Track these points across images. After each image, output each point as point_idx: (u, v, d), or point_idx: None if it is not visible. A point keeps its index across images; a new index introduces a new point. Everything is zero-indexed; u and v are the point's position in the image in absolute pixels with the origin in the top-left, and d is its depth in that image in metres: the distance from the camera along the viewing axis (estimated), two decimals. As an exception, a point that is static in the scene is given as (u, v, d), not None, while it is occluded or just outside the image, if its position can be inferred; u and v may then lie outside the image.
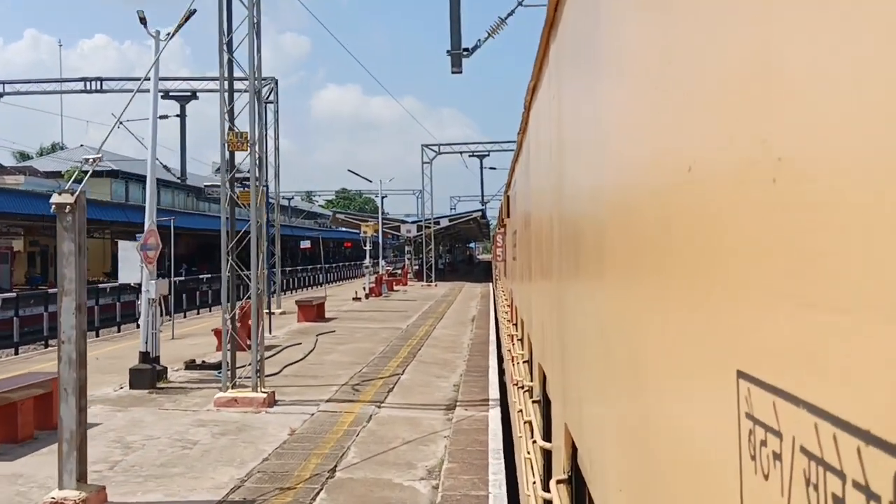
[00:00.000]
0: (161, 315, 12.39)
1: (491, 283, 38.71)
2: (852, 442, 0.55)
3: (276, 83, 26.58)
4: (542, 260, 4.25)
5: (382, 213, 68.71)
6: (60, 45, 70.51)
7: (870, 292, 0.55)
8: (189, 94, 27.92)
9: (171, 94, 27.98)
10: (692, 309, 1.02)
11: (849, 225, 0.58)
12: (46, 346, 20.97)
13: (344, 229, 60.24)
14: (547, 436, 3.93)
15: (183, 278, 39.81)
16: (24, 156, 64.94)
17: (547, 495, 3.17)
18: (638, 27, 1.43)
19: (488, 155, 45.88)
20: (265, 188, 22.62)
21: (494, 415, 10.29)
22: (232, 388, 10.67)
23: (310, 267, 51.01)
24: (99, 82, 27.43)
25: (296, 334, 19.49)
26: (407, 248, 51.49)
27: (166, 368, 12.48)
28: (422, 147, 44.58)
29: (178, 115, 29.23)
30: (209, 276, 42.07)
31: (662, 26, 1.21)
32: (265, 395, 10.46)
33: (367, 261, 33.91)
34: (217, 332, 15.96)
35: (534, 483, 4.09)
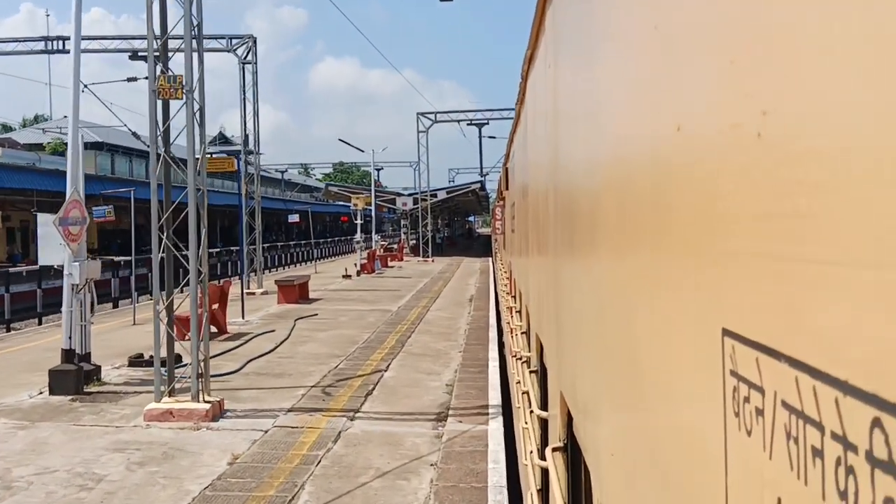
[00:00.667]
0: (93, 304, 10.17)
1: (490, 258, 36.63)
2: (831, 393, 0.56)
3: (255, 42, 24.17)
4: (539, 230, 4.25)
5: (378, 185, 66.24)
6: (48, 16, 67.27)
7: (845, 242, 0.55)
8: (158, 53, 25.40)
9: (140, 54, 25.49)
10: (681, 269, 1.02)
11: (827, 179, 0.58)
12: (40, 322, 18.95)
13: (341, 203, 57.92)
14: (544, 405, 3.92)
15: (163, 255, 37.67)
16: (6, 128, 62.44)
17: (543, 463, 3.13)
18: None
19: (487, 123, 43.34)
20: (236, 156, 20.32)
21: (496, 429, 8.15)
22: (169, 395, 8.49)
23: (303, 242, 48.79)
24: (61, 42, 25.00)
25: (272, 319, 17.33)
26: (403, 223, 49.14)
27: (99, 368, 10.31)
28: (417, 115, 42.03)
29: (146, 78, 26.75)
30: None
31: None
32: (209, 406, 8.30)
33: (358, 235, 31.61)
34: (179, 319, 13.80)
35: (531, 452, 4.06)
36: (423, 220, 42.90)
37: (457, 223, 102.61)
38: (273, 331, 15.21)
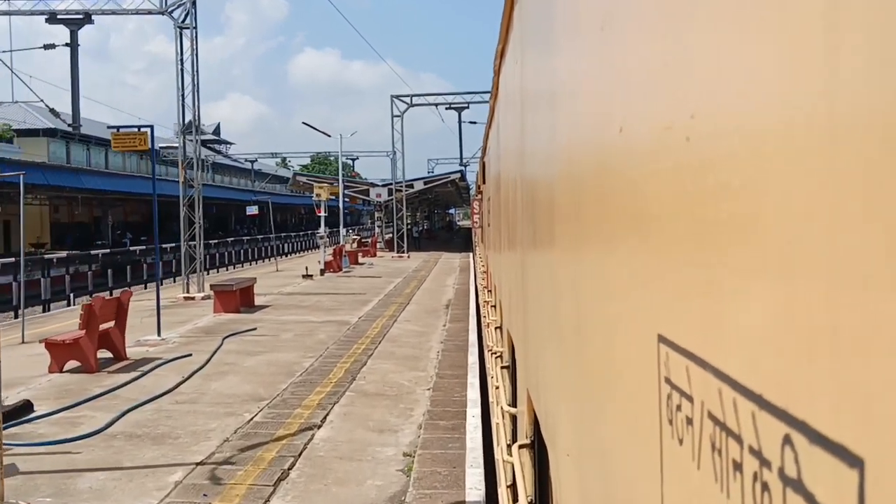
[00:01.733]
0: None
1: (471, 254, 33.32)
2: (748, 406, 0.56)
3: (194, 3, 20.45)
4: (508, 225, 4.33)
5: (355, 175, 62.29)
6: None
7: (761, 252, 0.55)
8: (81, 16, 21.65)
9: (58, 17, 21.70)
10: (623, 271, 1.01)
11: (747, 186, 0.58)
12: None
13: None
14: (515, 401, 3.97)
15: (108, 251, 34.28)
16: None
17: (512, 459, 3.18)
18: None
19: (467, 107, 39.69)
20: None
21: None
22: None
23: (272, 236, 45.07)
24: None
25: (197, 335, 13.75)
26: (377, 215, 45.40)
27: None
28: (391, 98, 38.28)
29: (67, 45, 22.94)
30: (143, 247, 36.36)
31: None
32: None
33: (321, 229, 27.90)
34: (50, 345, 10.27)
35: (502, 448, 4.02)
36: (399, 212, 39.24)
37: (437, 216, 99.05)
38: (189, 355, 11.67)
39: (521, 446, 2.88)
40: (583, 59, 1.35)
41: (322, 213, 27.34)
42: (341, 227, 34.29)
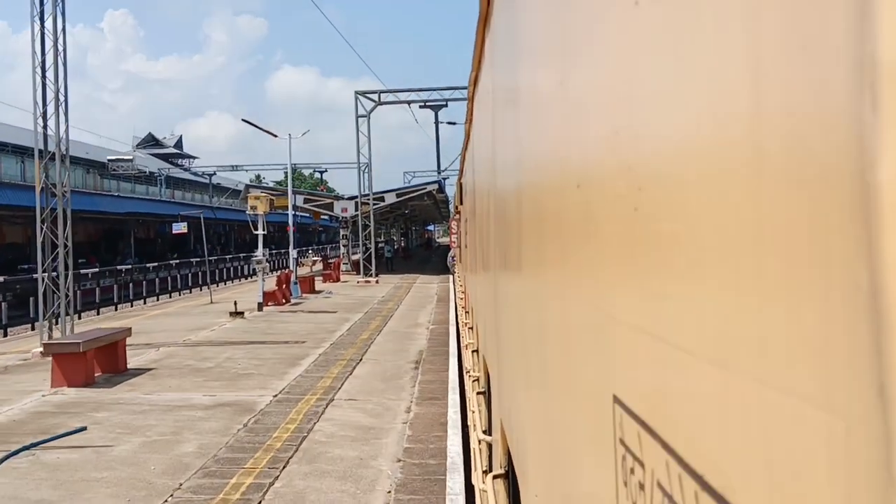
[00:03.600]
0: None
1: (451, 276, 27.41)
2: (692, 485, 0.56)
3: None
4: (482, 250, 4.43)
5: (324, 189, 56.03)
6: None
7: (704, 335, 0.56)
8: None
9: None
10: (582, 326, 1.04)
11: (689, 267, 0.60)
12: None
13: (280, 210, 47.65)
14: (490, 429, 4.06)
15: (2, 278, 28.08)
16: None
17: (486, 487, 3.27)
18: (540, 32, 1.43)
19: (446, 105, 34.22)
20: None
21: None
22: None
23: (229, 257, 38.65)
24: None
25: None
26: (342, 232, 39.33)
27: None
28: (356, 95, 32.45)
29: None
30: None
31: (560, 30, 1.20)
32: None
33: (259, 252, 21.74)
34: None
35: (478, 475, 4.10)
36: (366, 228, 33.16)
37: (415, 233, 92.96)
38: None
39: (495, 476, 2.88)
40: (542, 108, 1.39)
41: (259, 231, 21.23)
42: (291, 247, 28.28)
